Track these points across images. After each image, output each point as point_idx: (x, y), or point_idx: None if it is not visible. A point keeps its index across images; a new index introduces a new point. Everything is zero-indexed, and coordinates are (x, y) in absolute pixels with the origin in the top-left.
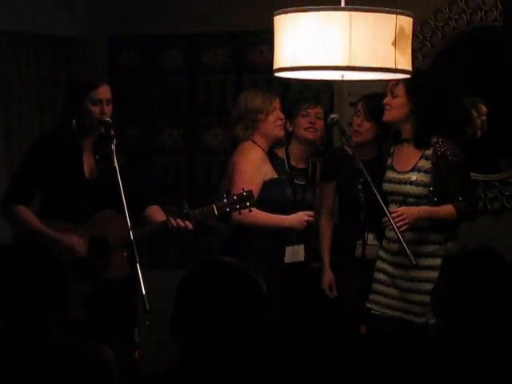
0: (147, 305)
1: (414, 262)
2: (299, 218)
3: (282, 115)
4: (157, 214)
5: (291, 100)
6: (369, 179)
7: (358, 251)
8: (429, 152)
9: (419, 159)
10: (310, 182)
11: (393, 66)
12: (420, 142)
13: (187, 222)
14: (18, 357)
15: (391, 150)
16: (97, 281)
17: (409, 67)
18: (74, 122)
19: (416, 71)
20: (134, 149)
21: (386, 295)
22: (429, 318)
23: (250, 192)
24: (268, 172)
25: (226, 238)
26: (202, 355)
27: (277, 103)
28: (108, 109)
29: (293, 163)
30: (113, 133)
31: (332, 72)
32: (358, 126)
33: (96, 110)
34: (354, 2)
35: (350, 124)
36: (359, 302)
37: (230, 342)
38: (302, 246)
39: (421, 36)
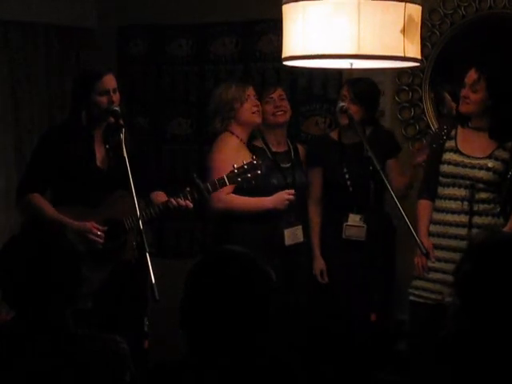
0: (157, 294)
1: (424, 251)
2: (280, 197)
3: (257, 102)
4: (159, 197)
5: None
6: (378, 167)
7: (346, 233)
8: (508, 144)
9: (496, 148)
10: (296, 163)
11: (401, 54)
12: (498, 136)
13: (187, 202)
14: (33, 349)
15: (452, 133)
16: (114, 264)
17: (418, 55)
18: (83, 114)
19: (495, 68)
20: (142, 138)
21: (427, 280)
22: (445, 296)
23: (259, 160)
24: (245, 159)
25: (215, 227)
26: (210, 345)
27: (250, 91)
28: (115, 97)
29: (274, 149)
30: (122, 122)
31: (341, 60)
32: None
33: (103, 100)
34: None
35: None
36: (363, 289)
37: (238, 332)
38: (300, 227)
39: (430, 24)
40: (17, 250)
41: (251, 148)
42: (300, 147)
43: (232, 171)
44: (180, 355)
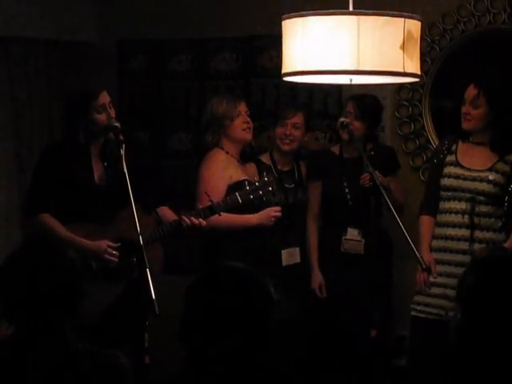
0: (157, 309)
1: (424, 266)
2: (267, 214)
3: (247, 119)
4: (167, 214)
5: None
6: (378, 182)
7: (344, 246)
8: (509, 157)
9: (497, 161)
10: (299, 183)
11: (401, 70)
12: (499, 149)
13: (200, 220)
14: (33, 365)
15: (453, 148)
16: (126, 281)
17: (417, 71)
18: (81, 133)
19: (494, 81)
20: (142, 153)
21: (429, 295)
22: (447, 311)
23: (271, 177)
24: (233, 175)
25: (205, 242)
26: (209, 360)
27: (242, 107)
28: (112, 112)
29: (279, 167)
30: (121, 138)
31: (340, 76)
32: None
33: (102, 117)
34: (362, 6)
35: None
36: (362, 304)
37: (237, 347)
38: (297, 249)
39: (429, 39)
40: (17, 266)
41: (257, 163)
42: (302, 165)
43: (244, 188)
44: (179, 370)
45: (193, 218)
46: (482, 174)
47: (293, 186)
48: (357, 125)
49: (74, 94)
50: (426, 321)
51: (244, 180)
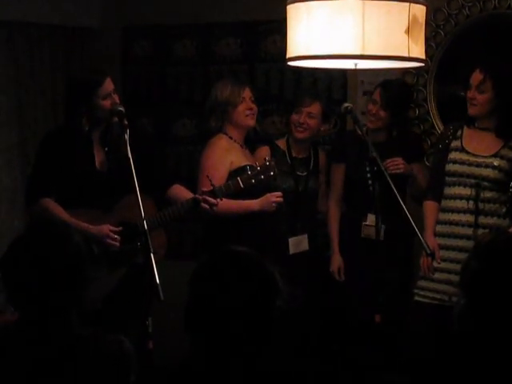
0: (161, 294)
1: (429, 251)
2: (267, 200)
3: (251, 105)
4: (182, 192)
5: (296, 93)
6: (382, 168)
7: (364, 232)
8: None
9: (502, 147)
10: (312, 171)
11: (406, 55)
12: (505, 134)
13: (218, 200)
14: (37, 350)
15: (458, 133)
16: (128, 266)
17: (422, 55)
18: (84, 118)
19: (500, 66)
20: (146, 136)
21: (432, 280)
22: (451, 296)
23: (272, 161)
24: (234, 161)
25: (209, 227)
26: (214, 347)
27: (247, 93)
28: (116, 98)
29: (294, 154)
30: (126, 122)
31: (345, 61)
32: (374, 114)
33: (107, 103)
34: None
35: (364, 113)
36: (370, 289)
37: (243, 335)
38: (305, 236)
39: (434, 24)
40: (21, 251)
41: (272, 147)
42: (321, 153)
43: (245, 173)
44: (183, 356)
45: (211, 199)
46: (487, 160)
47: (305, 174)
48: (382, 114)
49: (77, 80)
50: (429, 306)
51: (245, 165)
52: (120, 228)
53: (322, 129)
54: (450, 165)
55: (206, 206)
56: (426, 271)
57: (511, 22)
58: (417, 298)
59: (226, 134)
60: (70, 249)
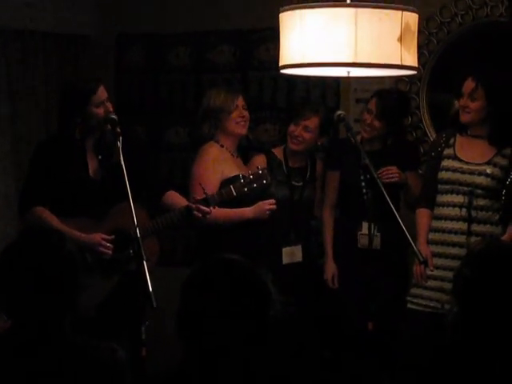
0: (154, 302)
1: (422, 259)
2: (260, 208)
3: (244, 113)
4: (177, 199)
5: (296, 102)
6: (375, 175)
7: (361, 242)
8: (507, 151)
9: (495, 155)
10: (308, 181)
11: (398, 63)
12: (498, 142)
13: (211, 208)
14: (31, 358)
15: (450, 141)
16: (121, 274)
17: (414, 63)
18: (77, 128)
19: (492, 74)
20: (139, 144)
21: (425, 288)
22: (443, 304)
23: (265, 169)
24: (225, 170)
25: (202, 235)
26: (207, 354)
27: (240, 101)
28: (110, 106)
29: (290, 163)
30: (118, 130)
31: (338, 68)
32: (368, 124)
33: (101, 111)
34: None
35: (357, 120)
36: (363, 297)
37: (235, 341)
38: (299, 247)
39: (427, 32)
40: (14, 258)
41: (269, 156)
42: (319, 161)
43: (238, 181)
44: (177, 364)
45: (204, 208)
46: (480, 168)
47: (301, 184)
48: (377, 124)
49: (71, 88)
50: (422, 313)
51: (237, 175)
52: (112, 236)
53: (319, 143)
54: (443, 172)
55: (199, 215)
56: (419, 279)
57: (503, 29)
58: (410, 305)
59: (218, 143)
60: (62, 256)
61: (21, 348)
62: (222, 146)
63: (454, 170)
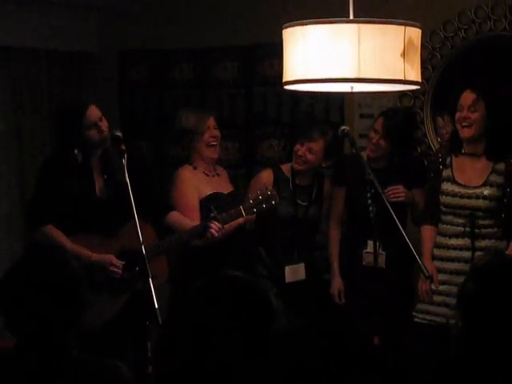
0: (160, 318)
1: (427, 274)
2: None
3: (216, 133)
4: (182, 220)
5: (301, 118)
6: (379, 190)
7: (366, 260)
8: (500, 167)
9: (490, 173)
10: (314, 200)
11: (402, 78)
12: (495, 156)
13: (224, 226)
14: (35, 375)
15: (447, 162)
16: (130, 293)
17: (418, 78)
18: (76, 150)
19: (492, 86)
20: (144, 161)
21: (431, 303)
22: (448, 318)
23: (274, 191)
24: (202, 189)
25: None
26: (210, 367)
27: (211, 122)
28: (103, 125)
29: (297, 181)
30: (123, 147)
31: (342, 84)
32: (374, 143)
33: (94, 133)
34: (362, 14)
35: (362, 135)
36: (369, 312)
37: (238, 356)
38: (302, 265)
39: (430, 47)
40: (19, 276)
41: (276, 172)
42: (327, 180)
43: (247, 202)
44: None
45: (218, 224)
46: (478, 191)
47: (305, 204)
48: (383, 143)
49: (62, 111)
50: (428, 327)
51: (214, 193)
52: (123, 262)
53: (323, 165)
54: (443, 197)
55: (215, 233)
56: (424, 295)
57: (507, 43)
58: (416, 319)
59: (191, 164)
60: (66, 273)
61: (25, 364)
62: (194, 168)
63: (454, 195)
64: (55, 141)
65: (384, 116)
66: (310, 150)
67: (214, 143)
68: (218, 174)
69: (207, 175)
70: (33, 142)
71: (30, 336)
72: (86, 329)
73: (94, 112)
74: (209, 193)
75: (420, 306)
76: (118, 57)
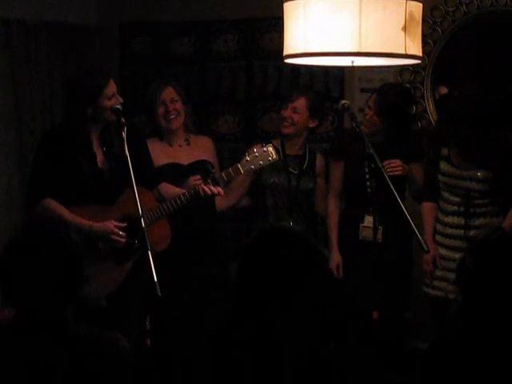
0: (159, 291)
1: (426, 249)
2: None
3: (170, 106)
4: (171, 189)
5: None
6: (379, 164)
7: (362, 234)
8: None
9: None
10: (305, 170)
11: (403, 52)
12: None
13: (218, 188)
14: (33, 347)
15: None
16: (133, 263)
17: (419, 52)
18: (87, 121)
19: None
20: (138, 134)
21: (436, 277)
22: (447, 292)
23: (270, 146)
24: (156, 160)
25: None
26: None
27: (166, 94)
28: (120, 97)
29: (287, 151)
30: (123, 120)
31: (342, 58)
32: (368, 120)
33: (113, 103)
34: None
35: (361, 110)
36: (368, 287)
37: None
38: None
39: (431, 21)
40: (18, 250)
41: None
42: (319, 156)
43: (243, 159)
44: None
45: (210, 187)
46: (472, 173)
47: (296, 172)
48: (376, 119)
49: (81, 84)
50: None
51: (169, 163)
52: (124, 224)
53: (310, 125)
54: (441, 176)
55: (208, 192)
56: (429, 278)
57: (508, 19)
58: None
59: (156, 137)
60: (66, 249)
61: (24, 336)
62: (160, 139)
63: (450, 176)
64: (67, 113)
65: (378, 93)
66: (293, 110)
67: (172, 116)
68: (189, 144)
69: (171, 146)
70: (32, 116)
71: (29, 309)
72: (91, 302)
73: (113, 83)
74: (162, 163)
75: (426, 280)
76: (118, 30)
